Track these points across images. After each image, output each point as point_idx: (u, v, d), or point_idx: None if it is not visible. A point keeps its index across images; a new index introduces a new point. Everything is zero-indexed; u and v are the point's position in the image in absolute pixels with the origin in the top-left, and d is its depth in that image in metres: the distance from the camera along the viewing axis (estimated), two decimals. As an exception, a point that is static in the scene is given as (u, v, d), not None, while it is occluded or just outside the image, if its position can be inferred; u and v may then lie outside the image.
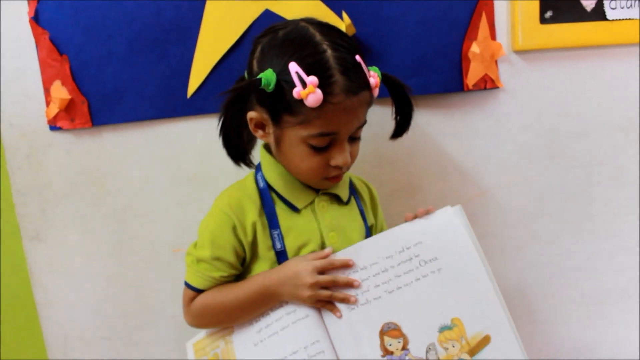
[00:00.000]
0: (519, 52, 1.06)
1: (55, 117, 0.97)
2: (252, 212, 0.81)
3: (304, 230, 0.82)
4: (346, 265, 0.78)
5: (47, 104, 0.97)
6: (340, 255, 0.80)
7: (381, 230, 0.94)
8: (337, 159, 0.76)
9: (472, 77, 1.03)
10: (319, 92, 0.69)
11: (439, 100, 1.05)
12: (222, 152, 0.81)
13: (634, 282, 1.18)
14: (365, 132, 0.83)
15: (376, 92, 0.78)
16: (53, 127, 0.98)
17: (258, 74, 0.72)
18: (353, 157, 0.80)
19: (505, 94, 1.07)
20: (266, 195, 0.82)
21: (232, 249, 0.81)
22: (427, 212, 0.82)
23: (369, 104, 0.78)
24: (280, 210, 0.82)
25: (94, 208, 1.02)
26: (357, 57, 0.74)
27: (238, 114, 0.74)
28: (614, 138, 1.12)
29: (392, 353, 0.76)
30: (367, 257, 0.80)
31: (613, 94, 1.11)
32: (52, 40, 0.95)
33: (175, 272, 1.04)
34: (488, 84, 1.04)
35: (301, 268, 0.77)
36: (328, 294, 0.77)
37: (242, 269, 0.84)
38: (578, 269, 1.16)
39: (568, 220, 1.14)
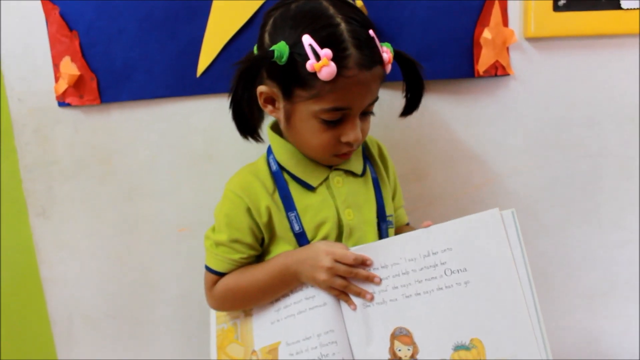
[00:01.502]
0: (531, 39, 1.05)
1: (64, 93, 0.97)
2: (264, 196, 0.80)
3: (320, 208, 0.81)
4: (363, 264, 0.76)
5: (56, 79, 0.97)
6: (360, 251, 0.77)
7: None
8: (349, 135, 0.76)
9: (483, 63, 1.02)
10: (332, 65, 0.69)
11: (449, 86, 1.05)
12: (230, 132, 0.80)
13: (638, 275, 1.17)
14: (373, 117, 0.82)
15: (388, 68, 0.77)
16: (61, 103, 0.98)
17: (270, 47, 0.72)
18: (364, 133, 0.79)
19: (516, 81, 1.06)
20: (279, 177, 0.82)
21: (249, 230, 0.81)
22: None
23: (382, 79, 0.77)
24: (295, 190, 0.82)
25: (101, 186, 1.02)
26: (371, 32, 0.73)
27: (249, 87, 0.73)
28: (623, 128, 1.11)
29: (400, 359, 0.74)
30: (389, 255, 0.76)
31: (624, 84, 1.10)
32: (62, 15, 0.94)
33: (180, 252, 1.04)
34: (499, 71, 1.03)
35: (322, 250, 0.76)
36: (344, 283, 0.76)
37: (261, 250, 0.84)
38: (583, 259, 1.15)
39: (574, 210, 1.13)
